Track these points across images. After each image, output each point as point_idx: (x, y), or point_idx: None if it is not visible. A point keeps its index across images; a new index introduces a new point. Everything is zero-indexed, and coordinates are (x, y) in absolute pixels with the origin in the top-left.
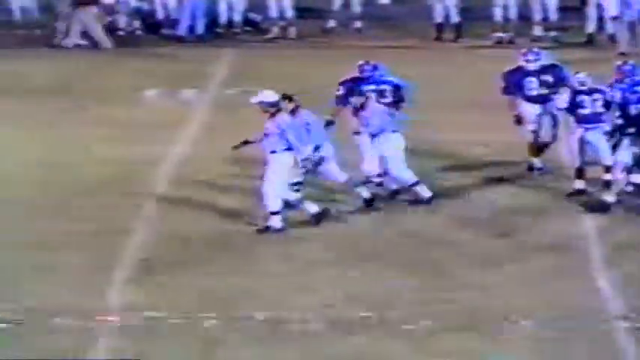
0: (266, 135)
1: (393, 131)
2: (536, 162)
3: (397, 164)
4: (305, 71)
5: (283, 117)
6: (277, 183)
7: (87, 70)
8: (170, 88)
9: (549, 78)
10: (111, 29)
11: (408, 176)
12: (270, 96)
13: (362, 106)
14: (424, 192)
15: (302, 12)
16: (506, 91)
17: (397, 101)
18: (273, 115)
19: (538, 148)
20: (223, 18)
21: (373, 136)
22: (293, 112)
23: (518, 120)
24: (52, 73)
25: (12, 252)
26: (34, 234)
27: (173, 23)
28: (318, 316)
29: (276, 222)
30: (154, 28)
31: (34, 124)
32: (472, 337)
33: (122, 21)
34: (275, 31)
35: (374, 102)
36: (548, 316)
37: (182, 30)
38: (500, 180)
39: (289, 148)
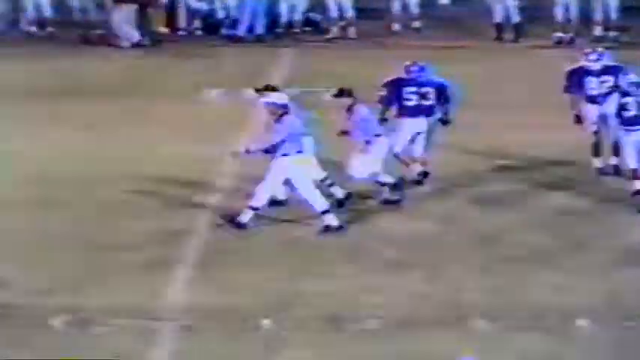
0: (275, 137)
1: (377, 135)
2: (598, 162)
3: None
4: (365, 71)
5: (292, 119)
6: (272, 185)
7: (149, 69)
8: (231, 88)
9: (610, 79)
10: (172, 29)
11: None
12: (281, 98)
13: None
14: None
15: (362, 12)
16: (568, 89)
17: (443, 103)
18: (281, 116)
19: (599, 148)
20: (284, 18)
21: (367, 141)
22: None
23: (578, 119)
24: (113, 73)
25: (75, 251)
26: (97, 233)
27: (233, 23)
28: (382, 316)
29: (246, 217)
30: (213, 29)
31: (97, 124)
32: (541, 338)
33: (182, 21)
34: (335, 31)
35: (361, 106)
36: (613, 315)
37: (242, 30)
38: (560, 180)
39: (300, 151)
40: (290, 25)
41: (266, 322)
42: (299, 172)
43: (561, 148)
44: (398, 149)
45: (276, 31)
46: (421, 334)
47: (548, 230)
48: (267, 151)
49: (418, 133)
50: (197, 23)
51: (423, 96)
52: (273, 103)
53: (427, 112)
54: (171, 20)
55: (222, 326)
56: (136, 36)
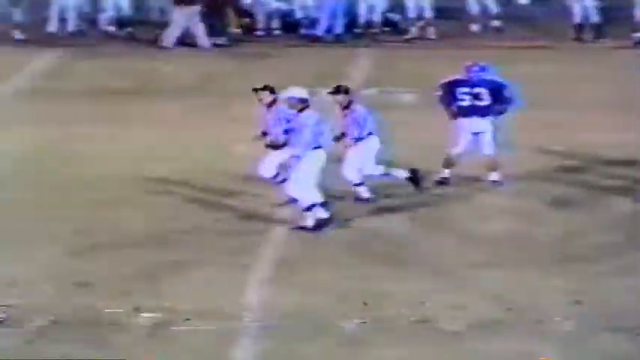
0: (292, 131)
1: (369, 134)
2: None
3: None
4: (443, 71)
5: (310, 114)
6: (306, 180)
7: (226, 69)
8: (309, 88)
9: None
10: (250, 29)
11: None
12: (301, 92)
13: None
14: (365, 193)
15: (440, 12)
16: None
17: (499, 103)
18: (300, 111)
19: None
20: (362, 18)
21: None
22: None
23: None
24: (191, 72)
25: (155, 251)
26: (175, 232)
27: (312, 23)
28: (463, 316)
29: (311, 218)
30: (292, 28)
31: (172, 124)
32: (621, 339)
33: (261, 21)
34: (414, 31)
35: (357, 105)
36: None
37: (321, 30)
38: (635, 182)
39: (319, 146)
40: (369, 25)
41: (348, 322)
42: (314, 165)
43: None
44: (458, 150)
45: (354, 31)
46: (502, 335)
47: (620, 231)
48: (283, 144)
49: (477, 134)
50: (275, 23)
51: (476, 96)
52: (292, 98)
53: (481, 112)
54: (246, 21)
55: (305, 326)
56: (203, 38)
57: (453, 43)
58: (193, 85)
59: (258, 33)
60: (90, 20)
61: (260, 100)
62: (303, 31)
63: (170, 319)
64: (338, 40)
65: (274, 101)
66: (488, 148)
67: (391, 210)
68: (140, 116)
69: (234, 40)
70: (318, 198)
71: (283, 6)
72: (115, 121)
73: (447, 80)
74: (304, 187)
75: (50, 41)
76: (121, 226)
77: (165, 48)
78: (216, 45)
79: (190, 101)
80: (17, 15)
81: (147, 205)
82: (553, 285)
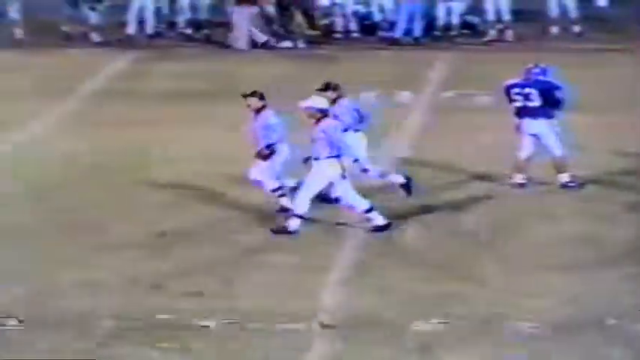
0: (312, 141)
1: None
2: None
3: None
4: (521, 74)
5: (330, 123)
6: (314, 190)
7: (303, 71)
8: (387, 91)
9: None
10: (328, 31)
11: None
12: (320, 102)
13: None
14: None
15: (519, 14)
16: None
17: (550, 104)
18: (319, 120)
19: None
20: (441, 21)
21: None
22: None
23: None
24: (267, 74)
25: (227, 253)
26: (250, 234)
27: (390, 25)
28: (535, 318)
29: (294, 224)
30: (370, 30)
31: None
32: None
33: (339, 23)
34: (492, 33)
35: (345, 100)
36: None
37: (399, 32)
38: None
39: (337, 155)
40: (447, 27)
41: (421, 325)
42: (337, 175)
43: None
44: (524, 153)
45: (433, 33)
46: (578, 337)
47: None
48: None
49: (535, 135)
50: (353, 26)
51: (526, 97)
52: (311, 107)
53: (532, 113)
54: (324, 23)
55: (378, 329)
56: (262, 37)
57: (532, 45)
58: (270, 88)
59: (336, 35)
60: (168, 22)
61: (248, 106)
62: (381, 33)
63: (244, 321)
64: (416, 42)
65: (263, 107)
66: (553, 149)
67: (463, 211)
68: (216, 118)
69: (309, 42)
70: (305, 210)
71: (361, 8)
72: (190, 122)
73: (507, 82)
74: (304, 193)
75: (128, 43)
76: (194, 227)
77: (240, 50)
78: (288, 47)
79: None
80: (95, 18)
81: (218, 206)
82: (630, 287)
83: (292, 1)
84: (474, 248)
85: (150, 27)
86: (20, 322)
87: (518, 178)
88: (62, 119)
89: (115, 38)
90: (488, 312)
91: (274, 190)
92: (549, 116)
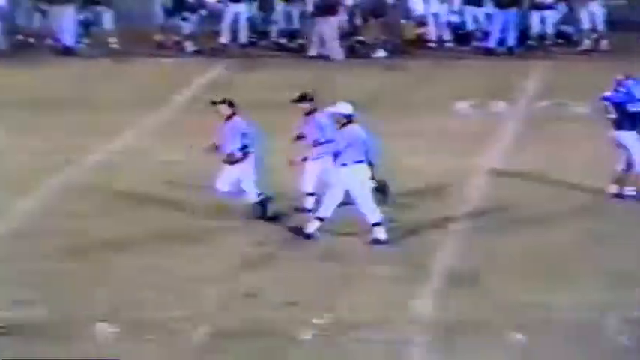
0: (336, 146)
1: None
2: None
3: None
4: None
5: (354, 129)
6: (339, 196)
7: (397, 81)
8: (481, 101)
9: None
10: (422, 41)
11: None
12: (347, 108)
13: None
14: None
15: (614, 24)
16: None
17: (623, 117)
18: (344, 126)
19: None
20: (535, 30)
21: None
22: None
23: None
24: (361, 85)
25: (320, 261)
26: (343, 246)
27: (484, 35)
28: (633, 330)
29: (312, 227)
30: (464, 40)
31: None
32: None
33: (432, 33)
34: (587, 43)
35: (320, 112)
36: None
37: (493, 42)
38: None
39: (363, 161)
40: (542, 37)
41: (517, 334)
42: (357, 182)
43: None
44: (620, 165)
45: (527, 43)
46: None
47: None
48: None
49: (620, 146)
50: (447, 35)
51: (606, 109)
52: (335, 113)
53: (614, 124)
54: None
55: (473, 338)
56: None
57: (627, 55)
58: (364, 98)
59: (430, 45)
60: (260, 32)
61: (217, 112)
62: (475, 43)
63: (338, 330)
64: (510, 52)
65: (232, 115)
66: (634, 162)
67: (557, 222)
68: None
69: (402, 52)
70: (329, 215)
71: (455, 18)
72: (285, 132)
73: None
74: (330, 198)
75: (221, 53)
76: (282, 237)
77: (334, 60)
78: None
79: (361, 113)
80: (188, 27)
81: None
82: None
83: (372, 12)
84: (570, 258)
85: (243, 36)
86: (118, 328)
87: (614, 189)
88: (156, 129)
89: (209, 47)
90: (588, 321)
91: (258, 195)
92: (621, 129)
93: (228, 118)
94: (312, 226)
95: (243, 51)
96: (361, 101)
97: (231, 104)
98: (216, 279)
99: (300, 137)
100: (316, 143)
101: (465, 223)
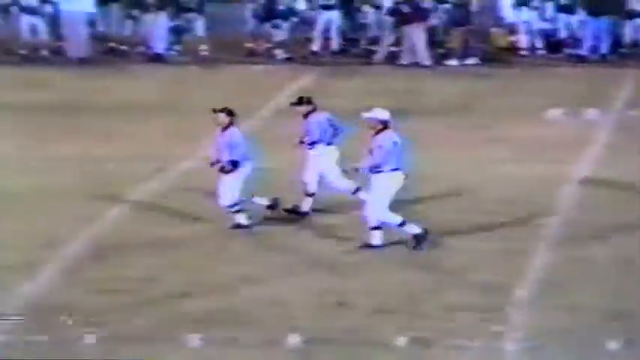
0: (370, 152)
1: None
2: None
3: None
4: None
5: (388, 135)
6: (382, 201)
7: (489, 88)
8: (573, 108)
9: None
10: (513, 48)
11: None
12: (382, 113)
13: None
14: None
15: None
16: None
17: None
18: (379, 132)
19: None
20: (628, 38)
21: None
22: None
23: None
24: (454, 91)
25: (410, 270)
26: (432, 253)
27: (576, 42)
28: None
29: (377, 239)
30: (556, 48)
31: (434, 142)
32: None
33: (524, 40)
34: None
35: (316, 115)
36: None
37: (585, 49)
38: None
39: (397, 168)
40: (635, 44)
41: (613, 343)
42: (386, 189)
43: None
44: None
45: (620, 50)
46: None
47: None
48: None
49: None
50: (539, 42)
51: None
52: (372, 118)
53: None
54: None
55: (569, 347)
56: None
57: None
58: (456, 104)
59: (522, 52)
60: (351, 39)
61: (214, 120)
62: (567, 50)
63: (431, 339)
64: (603, 59)
65: (230, 124)
66: None
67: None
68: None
69: (492, 60)
70: (396, 219)
71: (547, 25)
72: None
73: None
74: (380, 207)
75: (312, 60)
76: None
77: (425, 67)
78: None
79: (452, 121)
80: (280, 34)
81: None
82: None
83: (456, 21)
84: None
85: (335, 43)
86: (205, 337)
87: None
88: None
89: (300, 55)
90: None
91: (230, 206)
92: None
93: (226, 127)
94: (375, 239)
95: (334, 58)
96: (453, 108)
97: (230, 113)
98: (309, 287)
99: (302, 142)
100: (311, 143)
101: (556, 232)
